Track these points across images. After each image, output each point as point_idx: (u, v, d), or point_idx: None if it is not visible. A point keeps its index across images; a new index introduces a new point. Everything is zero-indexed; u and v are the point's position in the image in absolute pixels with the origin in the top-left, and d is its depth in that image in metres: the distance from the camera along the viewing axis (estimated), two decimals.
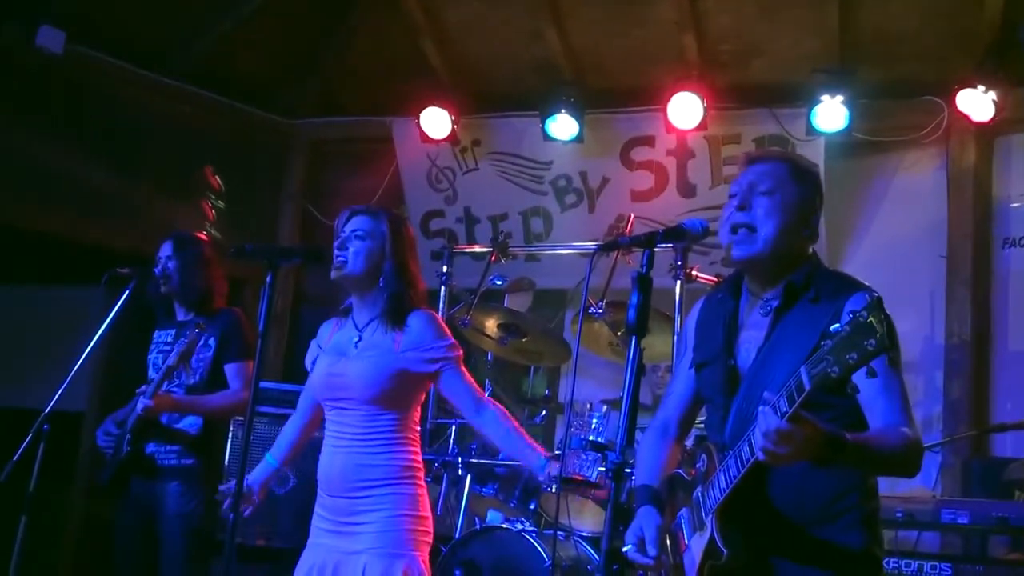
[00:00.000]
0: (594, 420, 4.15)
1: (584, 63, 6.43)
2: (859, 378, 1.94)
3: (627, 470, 2.26)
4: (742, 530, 2.32)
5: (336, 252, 3.28)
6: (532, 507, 4.87)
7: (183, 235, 4.48)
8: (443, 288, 5.64)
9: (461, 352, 3.30)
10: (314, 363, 3.42)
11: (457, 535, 4.72)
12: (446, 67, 6.68)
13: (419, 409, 3.33)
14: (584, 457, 3.82)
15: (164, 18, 6.26)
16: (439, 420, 5.47)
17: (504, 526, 4.56)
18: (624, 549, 2.41)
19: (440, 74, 6.67)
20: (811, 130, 5.75)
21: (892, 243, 5.99)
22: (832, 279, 2.48)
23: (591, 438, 3.94)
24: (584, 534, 4.71)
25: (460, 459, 5.00)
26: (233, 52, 6.61)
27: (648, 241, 2.39)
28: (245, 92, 6.83)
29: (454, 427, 5.27)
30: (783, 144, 5.87)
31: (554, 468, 3.22)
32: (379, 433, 3.21)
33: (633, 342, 2.28)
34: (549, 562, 4.28)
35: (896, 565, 4.27)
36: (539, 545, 4.33)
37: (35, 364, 5.98)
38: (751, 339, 2.48)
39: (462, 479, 4.98)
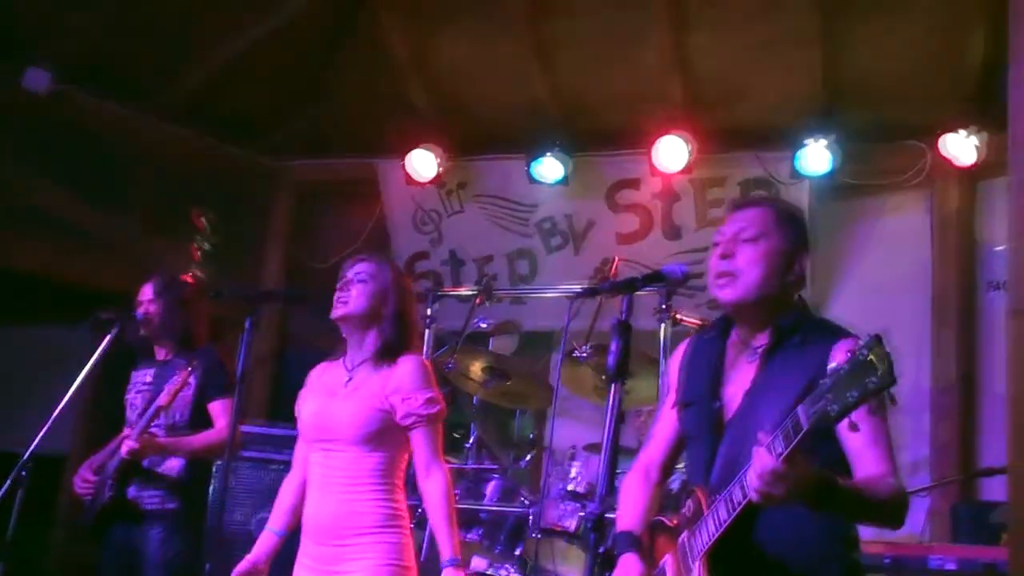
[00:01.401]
0: (573, 469, 4.12)
1: (571, 105, 6.46)
2: (847, 432, 1.92)
3: (608, 518, 2.22)
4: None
5: (338, 293, 3.28)
6: (517, 552, 4.81)
7: (164, 278, 4.44)
8: (427, 331, 5.60)
9: (439, 408, 3.24)
10: None
11: None
12: (433, 109, 6.71)
13: (407, 456, 3.28)
14: (563, 507, 3.78)
15: (150, 57, 6.28)
16: None
17: (489, 572, 4.50)
18: None
19: (427, 116, 6.69)
20: (796, 173, 5.80)
21: (878, 286, 6.00)
22: (820, 326, 2.48)
23: (570, 488, 3.91)
24: None
25: None
26: (220, 92, 6.61)
27: (628, 287, 2.38)
28: (232, 131, 6.83)
29: None
30: (768, 187, 5.90)
31: None
32: (367, 477, 3.16)
33: (613, 389, 2.25)
34: None
35: None
36: None
37: (15, 405, 5.91)
38: (738, 382, 2.46)
39: None
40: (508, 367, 5.37)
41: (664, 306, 4.96)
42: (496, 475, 5.10)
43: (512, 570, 4.70)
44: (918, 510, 5.42)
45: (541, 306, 6.41)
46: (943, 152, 5.64)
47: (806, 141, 5.66)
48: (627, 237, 6.34)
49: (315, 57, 6.78)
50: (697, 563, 2.29)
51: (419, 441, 3.21)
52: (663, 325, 4.95)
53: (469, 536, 4.97)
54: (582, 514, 4.26)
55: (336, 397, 3.25)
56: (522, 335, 6.06)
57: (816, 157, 5.68)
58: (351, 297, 3.25)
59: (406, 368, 3.22)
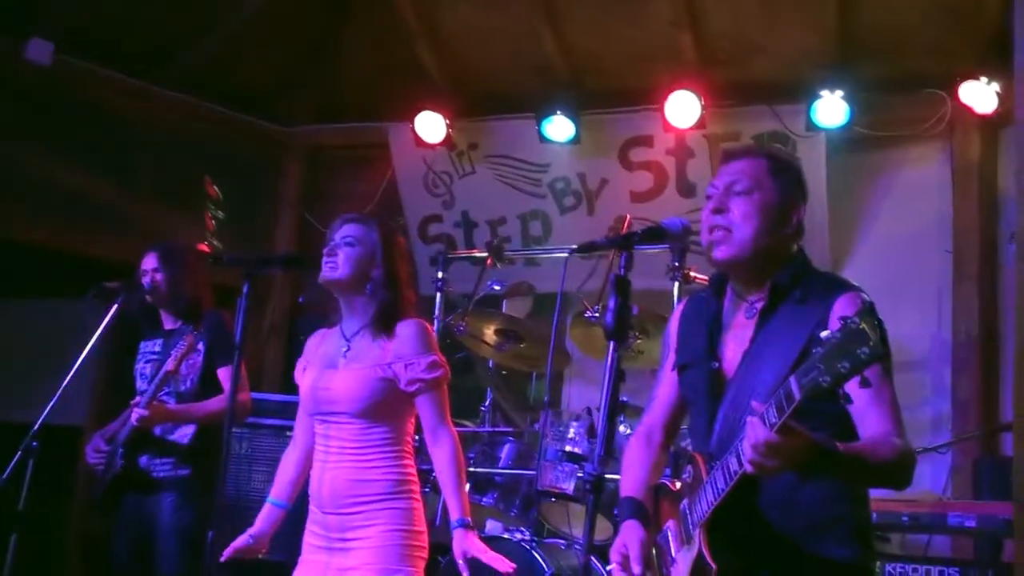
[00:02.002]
0: (571, 430, 4.07)
1: (581, 64, 6.35)
2: (851, 387, 1.86)
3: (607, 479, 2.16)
4: (731, 544, 2.23)
5: (325, 258, 3.21)
6: (533, 515, 4.79)
7: (168, 245, 4.41)
8: (439, 294, 5.55)
9: (443, 371, 3.18)
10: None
11: None
12: (441, 71, 6.61)
13: (412, 421, 3.24)
14: (560, 468, 3.73)
15: (155, 27, 6.21)
16: None
17: (504, 536, 4.47)
18: (608, 568, 2.33)
19: (435, 78, 6.61)
20: (811, 126, 5.67)
21: (897, 239, 5.89)
22: (819, 279, 2.39)
23: (567, 448, 3.86)
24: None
25: None
26: (227, 60, 6.56)
27: (626, 242, 2.30)
28: (239, 100, 6.77)
29: None
30: (784, 141, 5.79)
31: (468, 540, 3.07)
32: (371, 447, 3.12)
33: (611, 347, 2.18)
34: (550, 572, 4.20)
35: (903, 570, 4.18)
36: (539, 555, 4.26)
37: (29, 378, 5.92)
38: (736, 341, 2.39)
39: None
40: (521, 329, 5.33)
41: (676, 264, 4.90)
42: (511, 439, 5.07)
43: (527, 533, 4.68)
44: (940, 467, 5.36)
45: (555, 267, 6.31)
46: (962, 100, 5.50)
47: (821, 93, 5.52)
48: (641, 195, 6.23)
49: (323, 22, 6.71)
50: (698, 531, 2.24)
51: (425, 406, 3.16)
52: (676, 283, 4.89)
53: (484, 500, 4.95)
54: (580, 475, 4.22)
55: (335, 368, 3.20)
56: (536, 297, 6.00)
57: (831, 109, 5.55)
58: (338, 262, 3.18)
59: (406, 334, 3.16)
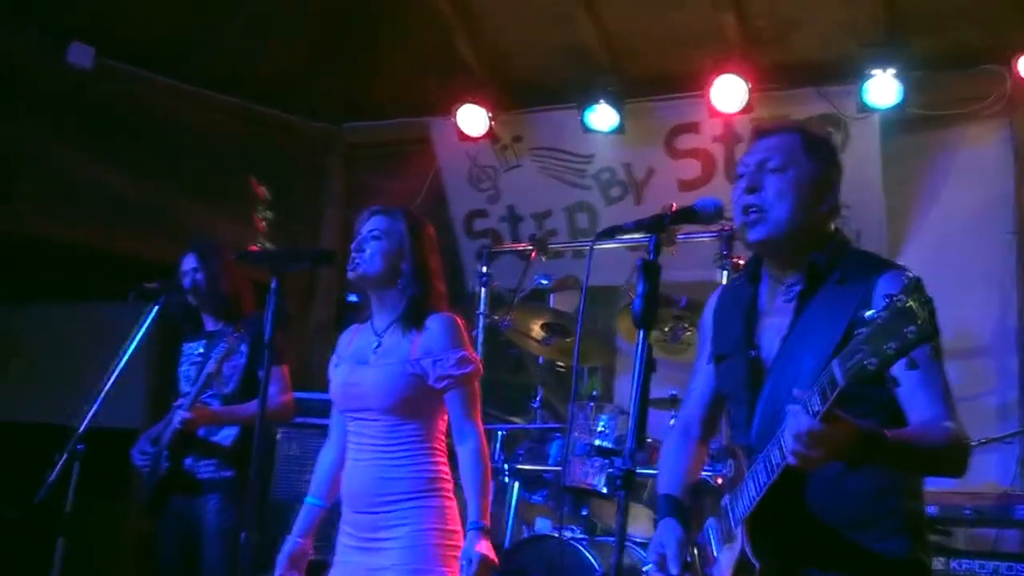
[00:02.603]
0: (601, 423, 3.96)
1: (620, 50, 6.22)
2: (898, 370, 1.74)
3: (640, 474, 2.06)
4: (775, 540, 2.12)
5: (353, 254, 3.14)
6: (584, 513, 4.70)
7: (205, 244, 4.40)
8: (483, 289, 5.48)
9: (474, 367, 3.10)
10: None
11: (507, 544, 4.58)
12: (479, 62, 6.53)
13: (445, 418, 3.16)
14: (589, 464, 3.62)
15: (190, 25, 6.20)
16: (484, 426, 5.29)
17: (553, 535, 4.40)
18: (645, 568, 2.23)
19: (474, 69, 6.52)
20: (863, 107, 5.50)
21: (957, 222, 5.70)
22: (859, 258, 2.27)
23: (596, 442, 3.75)
24: (637, 540, 4.52)
25: (506, 465, 4.86)
26: (263, 57, 6.54)
27: (654, 225, 2.19)
28: (280, 97, 6.75)
29: (500, 433, 5.10)
30: (835, 124, 5.62)
31: (478, 545, 2.94)
32: (402, 445, 3.05)
33: (641, 335, 2.07)
34: (601, 571, 4.11)
35: (970, 566, 4.02)
36: (590, 553, 4.17)
37: (77, 382, 5.96)
38: (774, 328, 2.27)
39: (509, 486, 4.82)
40: (568, 323, 5.24)
41: (725, 252, 4.78)
42: (560, 435, 4.98)
43: (578, 531, 4.60)
44: (1007, 457, 5.17)
45: (603, 260, 6.18)
46: (1022, 75, 5.28)
47: (871, 72, 5.34)
48: (689, 184, 6.10)
49: (356, 16, 6.65)
50: (740, 527, 2.13)
51: (453, 402, 3.08)
52: (725, 272, 4.77)
53: (534, 498, 4.88)
54: (611, 471, 4.11)
55: (366, 364, 3.13)
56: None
57: (883, 89, 5.37)
58: (365, 257, 3.11)
59: (435, 328, 3.08)
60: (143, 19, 6.06)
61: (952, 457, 2.05)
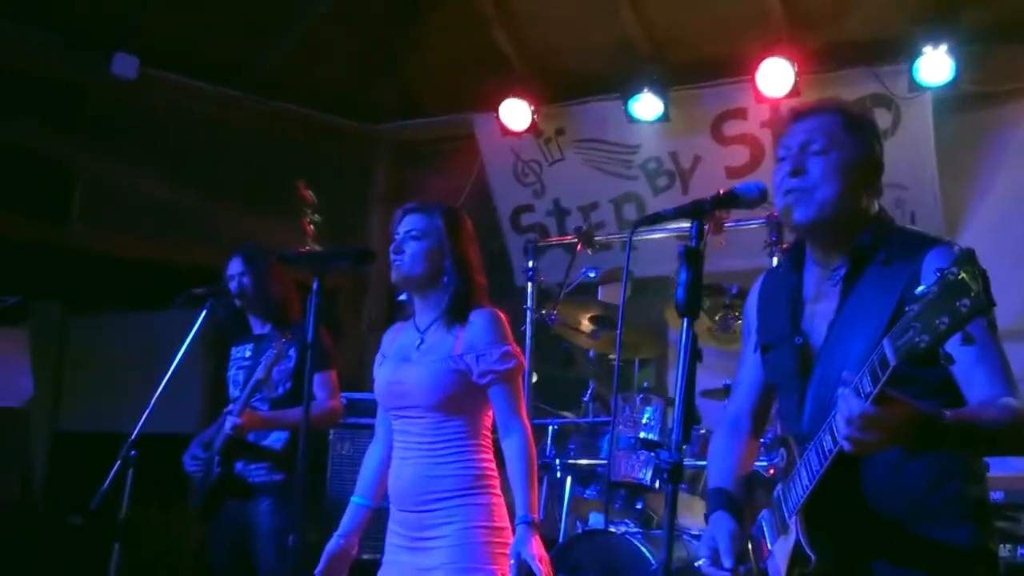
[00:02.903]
0: (645, 415, 3.89)
1: (663, 38, 6.15)
2: (952, 346, 1.65)
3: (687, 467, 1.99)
4: (831, 531, 2.04)
5: (392, 256, 3.11)
6: (639, 507, 4.64)
7: (250, 249, 4.41)
8: (530, 284, 5.43)
9: (517, 362, 3.05)
10: None
11: (560, 539, 4.53)
12: (520, 56, 6.51)
13: (490, 414, 3.11)
14: (634, 458, 3.55)
15: (233, 33, 6.23)
16: (535, 421, 5.25)
17: (608, 529, 4.34)
18: (697, 563, 2.16)
19: (515, 64, 6.50)
20: (915, 86, 5.37)
21: (1016, 201, 5.54)
22: (904, 236, 2.18)
23: (641, 435, 3.68)
24: (694, 532, 4.45)
25: (558, 461, 4.81)
26: (306, 61, 6.56)
27: (695, 211, 2.12)
28: (322, 100, 6.77)
29: (551, 428, 5.06)
30: (887, 104, 5.50)
31: (527, 541, 2.89)
32: (447, 441, 3.01)
33: (684, 324, 2.01)
34: (655, 565, 4.04)
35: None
36: (644, 548, 4.11)
37: (132, 390, 6.02)
38: (820, 313, 2.19)
39: (561, 481, 4.77)
40: (616, 315, 5.17)
41: (774, 239, 4.69)
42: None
43: (632, 525, 4.53)
44: None
45: (652, 250, 6.14)
46: None
47: (923, 49, 5.20)
48: (737, 170, 6.01)
49: (396, 15, 6.65)
50: (794, 518, 2.06)
51: (497, 398, 3.03)
52: (775, 260, 4.67)
53: (587, 493, 4.83)
54: (658, 463, 4.04)
55: (409, 361, 3.10)
56: (635, 282, 5.82)
57: (936, 66, 5.24)
58: (405, 259, 3.08)
59: (478, 323, 3.04)
60: (186, 28, 6.13)
61: (1017, 435, 1.95)
